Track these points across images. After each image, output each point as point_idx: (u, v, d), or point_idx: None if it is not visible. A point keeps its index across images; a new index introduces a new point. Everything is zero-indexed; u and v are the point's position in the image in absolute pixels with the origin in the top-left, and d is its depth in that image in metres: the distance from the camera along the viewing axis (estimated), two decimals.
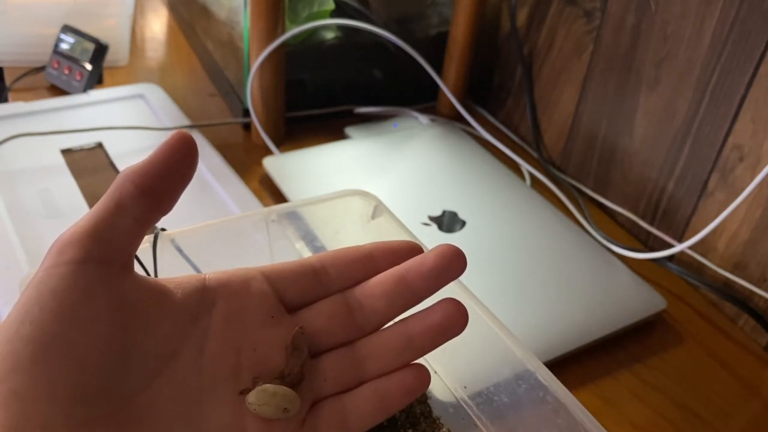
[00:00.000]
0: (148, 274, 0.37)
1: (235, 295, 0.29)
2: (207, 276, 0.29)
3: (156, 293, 0.26)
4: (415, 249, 0.31)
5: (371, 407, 0.29)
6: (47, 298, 0.24)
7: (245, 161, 0.70)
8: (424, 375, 0.30)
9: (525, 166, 0.74)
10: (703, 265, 0.61)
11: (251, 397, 0.27)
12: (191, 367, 0.27)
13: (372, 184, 0.65)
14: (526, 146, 0.80)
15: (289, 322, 0.29)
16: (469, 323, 0.29)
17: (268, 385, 0.27)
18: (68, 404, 0.23)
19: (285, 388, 0.27)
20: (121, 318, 0.25)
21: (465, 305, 0.29)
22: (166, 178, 0.26)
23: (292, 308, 0.30)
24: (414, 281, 0.29)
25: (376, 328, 0.30)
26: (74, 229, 0.25)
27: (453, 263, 0.29)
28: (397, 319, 0.30)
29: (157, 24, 1.01)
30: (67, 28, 0.78)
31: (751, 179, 0.53)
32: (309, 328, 0.29)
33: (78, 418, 0.23)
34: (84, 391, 0.23)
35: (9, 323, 0.23)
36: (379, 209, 0.45)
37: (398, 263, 0.30)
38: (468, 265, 0.29)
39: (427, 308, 0.29)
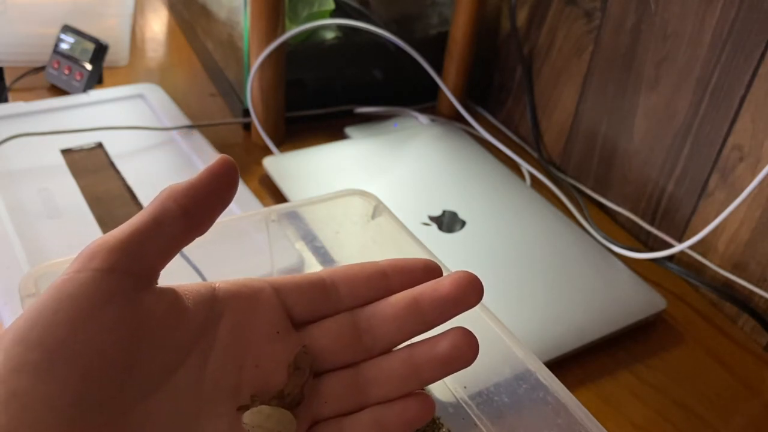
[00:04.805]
0: None
1: (242, 308, 0.28)
2: (216, 285, 0.28)
3: (171, 306, 0.26)
4: (431, 269, 0.30)
5: None
6: (64, 302, 0.24)
7: (245, 161, 0.71)
8: (427, 406, 0.29)
9: (525, 166, 0.74)
10: (703, 265, 0.61)
11: (246, 417, 0.27)
12: (192, 381, 0.26)
13: (372, 184, 0.65)
14: (526, 146, 0.80)
15: (294, 339, 0.29)
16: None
17: (263, 406, 0.27)
18: (66, 410, 0.23)
19: (281, 410, 0.27)
20: (132, 330, 0.25)
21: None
22: (208, 200, 0.27)
23: (300, 323, 0.30)
24: (426, 307, 0.28)
25: (383, 351, 0.29)
26: (107, 238, 0.25)
27: (469, 292, 0.28)
28: (405, 343, 0.29)
29: (157, 24, 1.01)
30: (67, 28, 0.78)
31: (751, 179, 0.53)
32: (314, 346, 0.29)
33: (74, 425, 0.23)
34: (83, 399, 0.23)
35: (22, 323, 0.23)
36: (379, 209, 0.45)
37: (413, 283, 0.29)
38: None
39: (436, 336, 0.28)
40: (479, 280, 0.28)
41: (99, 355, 0.24)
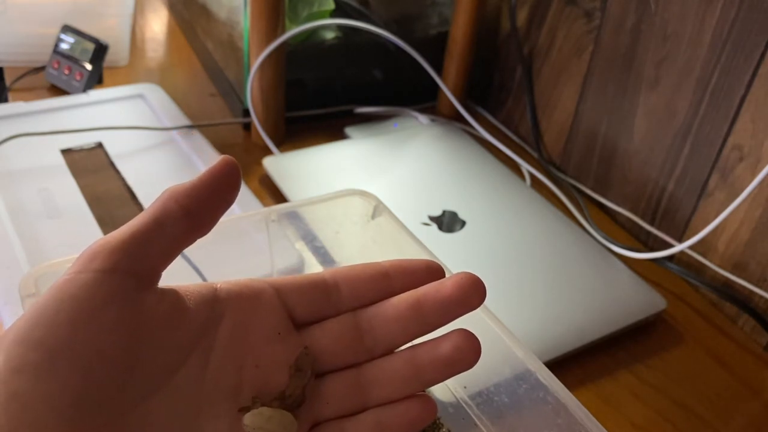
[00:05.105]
0: None
1: (243, 309, 0.28)
2: (218, 286, 0.28)
3: (172, 307, 0.26)
4: (433, 270, 0.30)
5: None
6: (65, 303, 0.24)
7: (245, 161, 0.70)
8: (429, 407, 0.29)
9: (525, 166, 0.74)
10: (703, 265, 0.61)
11: (247, 419, 0.27)
12: (193, 381, 0.26)
13: (372, 184, 0.65)
14: (526, 146, 0.80)
15: (295, 340, 0.29)
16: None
17: (264, 408, 0.27)
18: (66, 411, 0.23)
19: (282, 411, 0.27)
20: (133, 331, 0.25)
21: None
22: (210, 201, 0.27)
23: (301, 324, 0.29)
24: (429, 309, 0.28)
25: (385, 352, 0.29)
26: (108, 239, 0.25)
27: (471, 294, 0.27)
28: (407, 345, 0.29)
29: (157, 24, 1.01)
30: (67, 28, 0.78)
31: (751, 179, 0.53)
32: (315, 347, 0.29)
33: (74, 425, 0.23)
34: (83, 400, 0.23)
35: (23, 323, 0.23)
36: (379, 209, 0.45)
37: (415, 285, 0.29)
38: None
39: (438, 338, 0.28)
40: (482, 281, 0.28)
41: (100, 355, 0.24)
